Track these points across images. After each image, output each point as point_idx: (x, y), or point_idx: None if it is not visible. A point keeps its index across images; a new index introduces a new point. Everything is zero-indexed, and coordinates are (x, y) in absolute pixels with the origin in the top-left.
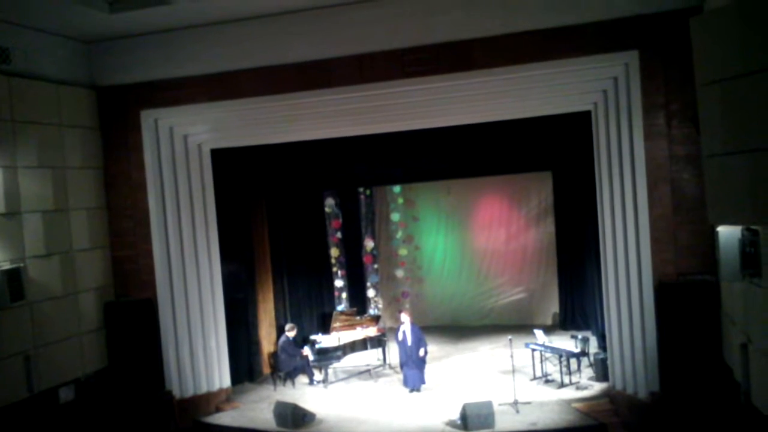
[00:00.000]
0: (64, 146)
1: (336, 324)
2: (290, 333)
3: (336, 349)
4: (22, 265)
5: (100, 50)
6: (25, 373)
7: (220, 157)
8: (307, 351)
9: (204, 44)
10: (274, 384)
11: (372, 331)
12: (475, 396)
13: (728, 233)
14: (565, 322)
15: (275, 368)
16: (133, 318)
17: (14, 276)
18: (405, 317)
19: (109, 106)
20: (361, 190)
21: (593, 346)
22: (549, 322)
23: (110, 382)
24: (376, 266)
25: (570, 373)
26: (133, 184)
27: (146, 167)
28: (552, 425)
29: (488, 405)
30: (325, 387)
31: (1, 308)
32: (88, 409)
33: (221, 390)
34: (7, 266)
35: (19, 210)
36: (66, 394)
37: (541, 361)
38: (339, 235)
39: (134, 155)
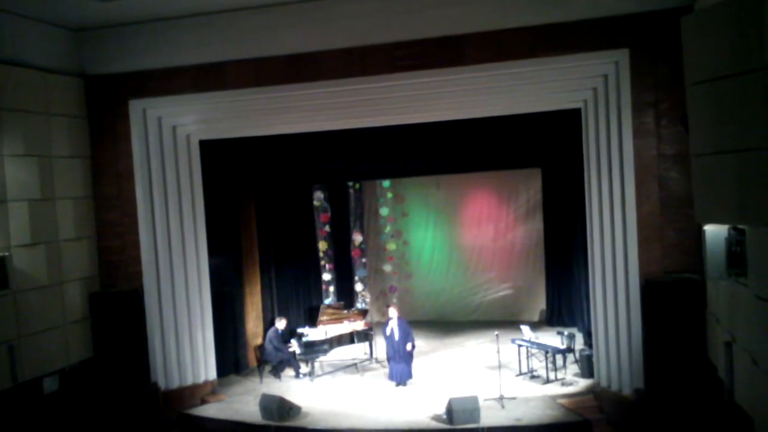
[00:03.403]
0: (51, 135)
1: (323, 317)
2: (279, 325)
3: (323, 342)
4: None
5: (89, 39)
6: (9, 362)
7: (209, 148)
8: (293, 345)
9: (194, 35)
10: (260, 377)
11: (359, 325)
12: (461, 391)
13: (715, 232)
14: (552, 318)
15: (261, 361)
16: (119, 309)
17: None
18: (393, 312)
19: (98, 95)
20: (350, 184)
21: (579, 343)
22: (536, 318)
23: (95, 373)
24: (364, 260)
25: (556, 370)
26: (121, 175)
27: (134, 157)
28: (537, 421)
29: (474, 400)
30: (311, 380)
31: None
32: (73, 399)
33: (207, 382)
34: None
35: (4, 198)
36: (50, 385)
37: (527, 357)
38: (327, 228)
39: (122, 145)
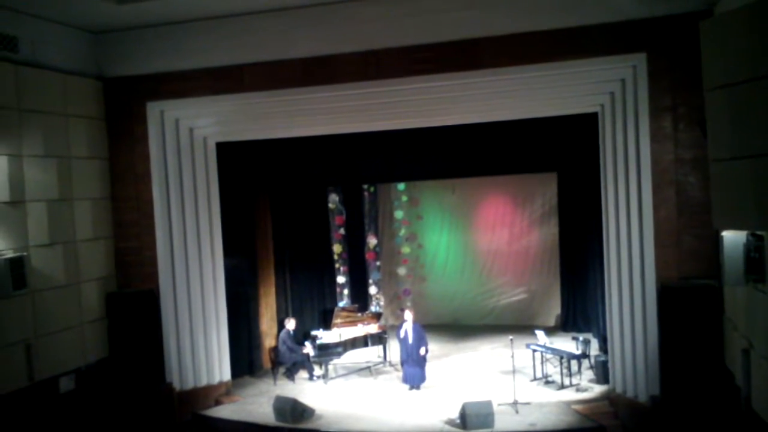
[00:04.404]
0: (69, 136)
1: (337, 320)
2: (289, 325)
3: (337, 345)
4: (25, 253)
5: (108, 41)
6: (26, 361)
7: (225, 150)
8: (307, 347)
9: (211, 37)
10: (274, 378)
11: (373, 328)
12: (475, 395)
13: (733, 238)
14: (567, 323)
15: (275, 362)
16: (134, 309)
17: (17, 264)
18: (408, 315)
19: (116, 97)
20: (365, 186)
21: (594, 348)
22: (550, 323)
23: (111, 372)
24: (378, 263)
25: (570, 375)
26: (138, 176)
27: (151, 159)
28: (551, 426)
29: (488, 405)
30: (325, 383)
31: (4, 296)
32: (88, 399)
33: (221, 383)
34: (10, 254)
35: (23, 199)
36: (66, 384)
37: (542, 362)
38: (342, 231)
39: (139, 147)
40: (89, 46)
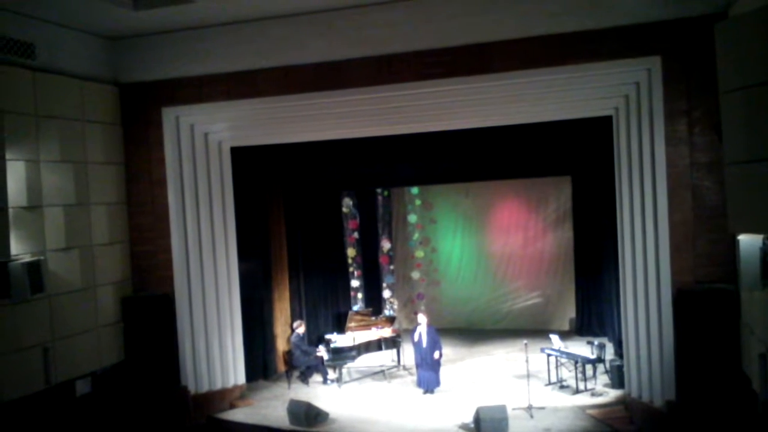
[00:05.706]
0: (86, 141)
1: (351, 324)
2: (300, 330)
3: (351, 349)
4: (42, 257)
5: (124, 47)
6: (43, 365)
7: (240, 155)
8: (321, 350)
9: (225, 43)
10: (289, 382)
11: (387, 332)
12: (489, 400)
13: (749, 242)
14: (582, 327)
15: (290, 366)
16: (150, 313)
17: (34, 268)
18: (422, 318)
19: (132, 102)
20: (378, 190)
21: (609, 353)
22: (565, 327)
23: (126, 376)
24: (392, 267)
25: (585, 380)
26: (154, 181)
27: (167, 164)
28: (566, 431)
29: (502, 409)
30: (339, 386)
31: (22, 300)
32: (104, 402)
33: (236, 387)
34: (27, 259)
35: (40, 203)
36: (82, 387)
37: (557, 367)
38: (356, 235)
39: (155, 152)
40: (105, 52)
